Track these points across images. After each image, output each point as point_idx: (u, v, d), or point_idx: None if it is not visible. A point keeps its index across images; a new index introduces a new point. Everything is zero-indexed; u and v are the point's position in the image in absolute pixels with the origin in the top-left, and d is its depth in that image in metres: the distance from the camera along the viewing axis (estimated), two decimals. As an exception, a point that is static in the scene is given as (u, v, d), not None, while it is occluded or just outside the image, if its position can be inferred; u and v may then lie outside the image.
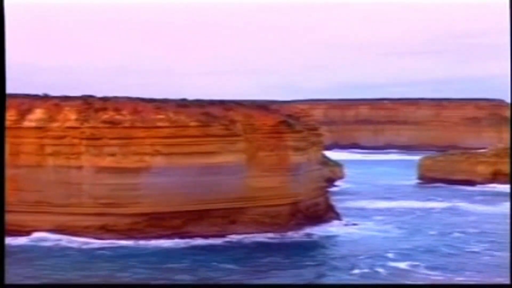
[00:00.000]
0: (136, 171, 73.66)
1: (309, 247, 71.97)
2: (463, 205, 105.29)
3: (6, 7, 23.52)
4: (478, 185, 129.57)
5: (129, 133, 74.53)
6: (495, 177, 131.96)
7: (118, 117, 75.71)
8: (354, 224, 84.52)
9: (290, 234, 76.64)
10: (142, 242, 71.06)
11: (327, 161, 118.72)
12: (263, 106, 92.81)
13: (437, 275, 58.35)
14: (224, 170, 75.98)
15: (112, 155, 73.08)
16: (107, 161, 73.78)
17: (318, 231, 79.44)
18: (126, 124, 75.15)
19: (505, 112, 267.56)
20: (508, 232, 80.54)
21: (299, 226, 78.82)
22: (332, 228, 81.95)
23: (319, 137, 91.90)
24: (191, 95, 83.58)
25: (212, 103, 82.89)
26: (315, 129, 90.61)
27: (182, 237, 73.01)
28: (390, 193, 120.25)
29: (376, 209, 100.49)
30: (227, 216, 76.32)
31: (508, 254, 65.13)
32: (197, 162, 75.07)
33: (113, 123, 74.72)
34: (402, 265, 62.42)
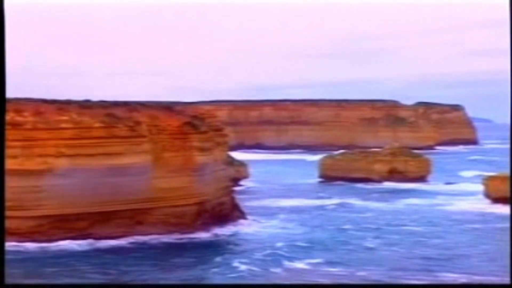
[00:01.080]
0: (39, 173, 71.51)
1: (214, 246, 71.89)
2: (361, 202, 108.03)
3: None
4: (375, 183, 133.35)
5: (32, 135, 72.25)
6: (391, 175, 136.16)
7: (19, 118, 73.22)
8: (259, 223, 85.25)
9: (196, 233, 76.37)
10: (45, 245, 69.01)
11: (232, 161, 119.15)
12: (167, 107, 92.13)
13: (338, 271, 59.39)
14: (129, 171, 74.94)
15: (14, 157, 70.56)
16: (9, 164, 71.13)
17: (223, 230, 79.62)
18: (28, 126, 72.81)
19: (399, 112, 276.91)
20: (397, 227, 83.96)
21: (205, 225, 78.75)
22: (237, 227, 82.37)
23: (224, 137, 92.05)
24: (94, 96, 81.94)
25: (116, 104, 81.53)
26: (220, 129, 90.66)
27: (87, 239, 71.48)
28: (293, 192, 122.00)
29: (280, 207, 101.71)
30: (133, 217, 75.36)
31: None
32: (102, 163, 73.69)
33: (14, 125, 72.18)
34: (305, 261, 63.25)
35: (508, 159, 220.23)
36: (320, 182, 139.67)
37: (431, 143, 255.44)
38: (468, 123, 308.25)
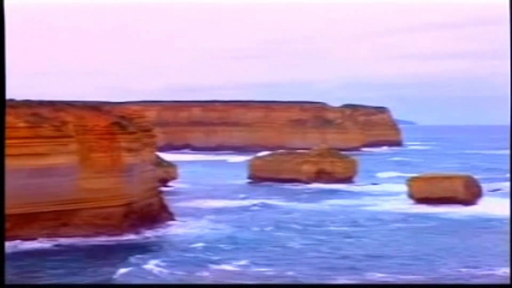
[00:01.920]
0: (-40, 174, 68.96)
1: (140, 247, 70.80)
2: (288, 203, 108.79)
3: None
4: (303, 184, 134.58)
5: (-47, 135, 69.65)
6: (318, 176, 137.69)
7: None
8: (187, 224, 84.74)
9: (124, 235, 75.24)
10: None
11: (160, 162, 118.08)
12: (95, 107, 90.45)
13: (266, 271, 59.52)
14: (55, 172, 73.21)
15: None
16: None
17: (151, 231, 78.73)
18: (-51, 125, 70.16)
19: (327, 114, 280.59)
20: (324, 228, 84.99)
21: (133, 227, 77.67)
22: (165, 228, 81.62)
23: (153, 138, 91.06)
24: (19, 95, 79.57)
25: (41, 103, 79.43)
26: (149, 130, 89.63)
27: (10, 241, 69.30)
28: (221, 193, 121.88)
29: (208, 208, 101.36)
30: (58, 219, 73.65)
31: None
32: (27, 164, 71.70)
33: None
34: (232, 262, 63.05)
35: (428, 159, 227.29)
36: (249, 183, 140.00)
37: (357, 144, 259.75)
38: (393, 125, 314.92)
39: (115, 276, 56.61)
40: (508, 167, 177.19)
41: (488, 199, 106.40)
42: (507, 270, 59.95)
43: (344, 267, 61.32)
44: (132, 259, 63.33)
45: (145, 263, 61.71)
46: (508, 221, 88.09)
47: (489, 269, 60.09)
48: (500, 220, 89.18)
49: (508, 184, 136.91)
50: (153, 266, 60.64)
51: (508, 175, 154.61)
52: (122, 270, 58.58)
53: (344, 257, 66.16)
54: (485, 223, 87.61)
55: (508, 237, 77.56)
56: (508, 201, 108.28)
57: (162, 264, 61.77)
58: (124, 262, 62.20)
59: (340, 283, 54.84)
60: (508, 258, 59.15)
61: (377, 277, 57.21)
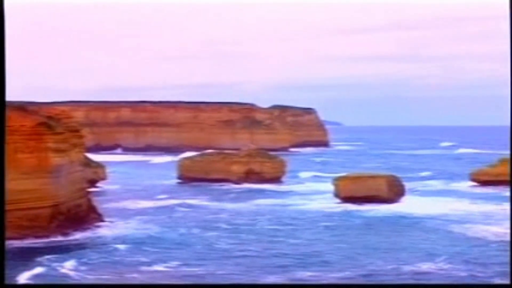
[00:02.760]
0: None
1: (66, 249, 69.21)
2: (217, 203, 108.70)
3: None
4: (233, 184, 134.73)
5: None
6: (247, 176, 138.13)
7: None
8: (116, 224, 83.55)
9: (52, 237, 73.50)
10: None
11: (89, 163, 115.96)
12: (21, 107, 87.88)
13: (196, 271, 59.29)
14: (-21, 173, 70.87)
15: None
16: None
17: (79, 233, 77.23)
18: None
19: (256, 115, 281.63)
20: (253, 227, 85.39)
21: (60, 228, 75.97)
22: (94, 229, 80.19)
23: (81, 138, 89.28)
24: None
25: (-35, 103, 76.75)
26: (77, 130, 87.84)
27: None
28: (151, 193, 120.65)
29: (137, 209, 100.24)
30: (-18, 221, 71.30)
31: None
32: (-51, 165, 69.17)
33: None
34: (163, 263, 62.57)
35: (353, 159, 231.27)
36: (178, 183, 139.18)
37: (286, 145, 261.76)
38: (320, 125, 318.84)
39: (19, 278, 55.20)
40: (423, 166, 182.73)
41: (410, 197, 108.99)
42: (431, 265, 61.71)
43: (274, 266, 61.60)
44: (45, 261, 61.92)
45: (62, 265, 60.44)
46: (427, 219, 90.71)
47: (414, 265, 61.56)
48: (421, 217, 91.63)
49: (426, 183, 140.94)
50: (70, 268, 59.45)
51: (424, 173, 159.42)
52: (32, 272, 57.26)
53: (274, 256, 66.46)
54: (408, 221, 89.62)
55: (425, 234, 79.95)
56: (428, 199, 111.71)
57: (83, 266, 60.62)
58: (36, 264, 60.72)
59: (340, 283, 54.44)
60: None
61: (307, 275, 57.73)
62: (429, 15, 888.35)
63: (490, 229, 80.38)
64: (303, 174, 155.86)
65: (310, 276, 57.53)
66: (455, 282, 55.54)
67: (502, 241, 73.48)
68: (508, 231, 78.49)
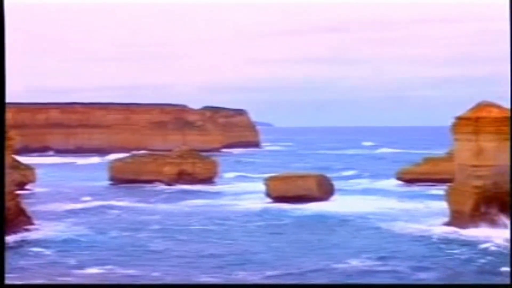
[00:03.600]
0: None
1: None
2: (149, 204, 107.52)
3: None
4: (165, 185, 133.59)
5: None
6: (180, 177, 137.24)
7: None
8: (45, 227, 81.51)
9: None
10: None
11: (18, 165, 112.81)
12: None
13: (131, 273, 58.35)
14: None
15: None
16: None
17: (7, 236, 74.74)
18: None
19: (187, 116, 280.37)
20: (186, 228, 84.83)
21: (-13, 232, 73.47)
22: (23, 232, 77.94)
23: (9, 141, 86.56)
24: None
25: None
26: (5, 132, 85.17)
27: None
28: (81, 195, 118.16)
29: (67, 211, 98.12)
30: None
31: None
32: None
33: None
34: (96, 266, 61.27)
35: (284, 159, 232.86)
36: (110, 184, 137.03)
37: (217, 145, 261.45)
38: (251, 126, 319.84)
39: None
40: (348, 165, 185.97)
41: (339, 196, 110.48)
42: (360, 261, 62.69)
43: (209, 266, 61.21)
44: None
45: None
46: (356, 217, 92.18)
47: (344, 263, 62.43)
48: (350, 216, 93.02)
49: (354, 182, 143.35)
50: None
51: (350, 172, 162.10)
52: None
53: (209, 256, 66.01)
54: (337, 219, 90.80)
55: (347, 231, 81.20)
56: (356, 197, 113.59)
57: (12, 270, 58.68)
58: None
59: (339, 283, 54.01)
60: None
61: (243, 275, 57.64)
62: (356, 17, 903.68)
63: (415, 226, 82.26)
64: (235, 175, 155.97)
65: (246, 275, 57.50)
66: (456, 282, 56.23)
67: (427, 237, 75.48)
68: (430, 227, 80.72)
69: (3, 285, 22.10)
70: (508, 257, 63.57)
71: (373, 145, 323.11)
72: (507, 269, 58.52)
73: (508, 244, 69.23)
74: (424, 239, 74.17)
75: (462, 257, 65.55)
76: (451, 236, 75.23)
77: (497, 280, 55.07)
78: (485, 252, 67.49)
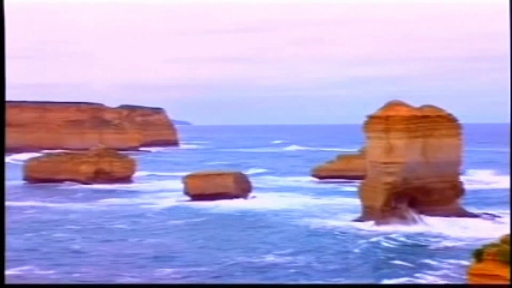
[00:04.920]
0: None
1: None
2: (65, 204, 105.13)
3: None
4: (82, 184, 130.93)
5: None
6: (97, 176, 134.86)
7: None
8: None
9: None
10: None
11: None
12: None
13: (54, 274, 56.75)
14: None
15: None
16: None
17: None
18: None
19: (104, 115, 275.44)
20: (105, 227, 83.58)
21: None
22: None
23: None
24: None
25: None
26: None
27: None
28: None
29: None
30: None
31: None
32: None
33: None
34: (15, 267, 59.29)
35: (202, 157, 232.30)
36: (25, 184, 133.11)
37: (135, 144, 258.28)
38: (169, 125, 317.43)
39: None
40: (264, 163, 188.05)
41: (256, 193, 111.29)
42: (276, 257, 63.44)
43: (131, 265, 60.45)
44: None
45: None
46: (273, 213, 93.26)
47: (260, 258, 63.10)
48: (267, 212, 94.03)
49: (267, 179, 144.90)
50: None
51: (265, 170, 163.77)
52: None
53: (130, 255, 65.15)
54: (255, 216, 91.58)
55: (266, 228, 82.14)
56: (273, 194, 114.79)
57: None
58: None
59: (340, 283, 53.22)
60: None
61: (166, 272, 57.27)
62: (274, 18, 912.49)
63: (329, 222, 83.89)
64: (153, 173, 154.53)
65: (170, 273, 57.22)
66: (455, 283, 56.77)
67: (340, 232, 77.15)
68: (344, 223, 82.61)
69: (3, 285, 21.49)
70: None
71: (283, 142, 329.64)
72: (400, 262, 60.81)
73: (406, 239, 72.04)
74: (337, 234, 75.83)
75: (376, 250, 67.71)
76: (362, 231, 77.24)
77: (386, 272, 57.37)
78: (392, 245, 70.03)
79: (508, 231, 32.87)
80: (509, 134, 74.79)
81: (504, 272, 29.26)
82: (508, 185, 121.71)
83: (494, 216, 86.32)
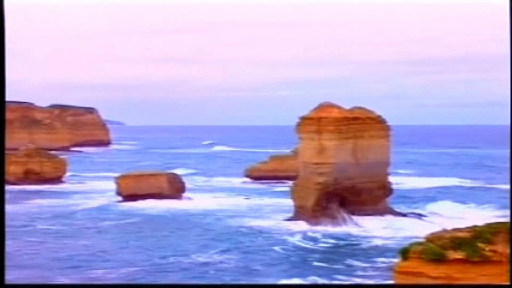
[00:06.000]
0: None
1: None
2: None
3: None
4: (10, 185, 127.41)
5: None
6: (26, 176, 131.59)
7: None
8: None
9: None
10: None
11: None
12: None
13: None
14: None
15: None
16: None
17: None
18: None
19: (34, 114, 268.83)
20: (35, 228, 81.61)
21: None
22: None
23: None
24: None
25: None
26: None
27: None
28: None
29: None
30: None
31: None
32: None
33: None
34: None
35: (135, 158, 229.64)
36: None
37: (66, 144, 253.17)
38: (102, 125, 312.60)
39: None
40: (196, 163, 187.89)
41: (190, 194, 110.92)
42: (207, 256, 63.47)
43: (65, 266, 59.37)
44: None
45: None
46: (205, 213, 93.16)
47: (191, 258, 63.04)
48: (200, 212, 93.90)
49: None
50: None
51: (197, 170, 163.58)
52: None
53: (63, 256, 64.02)
54: (188, 216, 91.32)
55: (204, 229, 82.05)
56: (206, 195, 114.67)
57: None
58: None
59: (340, 283, 52.06)
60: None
61: (101, 273, 56.61)
62: (211, 19, 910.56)
63: (261, 222, 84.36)
64: (85, 174, 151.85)
65: (104, 273, 56.54)
66: (454, 283, 56.88)
67: (272, 232, 77.69)
68: (276, 223, 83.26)
69: (3, 285, 20.63)
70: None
71: (212, 143, 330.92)
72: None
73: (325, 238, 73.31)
74: (268, 234, 76.32)
75: (305, 249, 68.55)
76: (293, 231, 77.99)
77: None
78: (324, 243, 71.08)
79: (433, 230, 33.86)
80: (509, 134, 76.07)
81: (428, 269, 30.12)
82: (428, 185, 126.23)
83: (420, 215, 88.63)
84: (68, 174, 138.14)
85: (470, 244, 30.50)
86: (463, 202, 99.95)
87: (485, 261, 29.78)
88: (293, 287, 52.53)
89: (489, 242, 30.60)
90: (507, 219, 42.43)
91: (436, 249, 30.49)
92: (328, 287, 49.96)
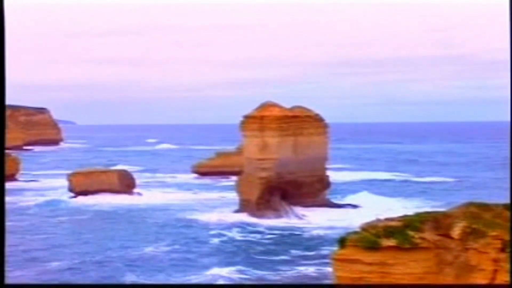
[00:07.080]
0: None
1: None
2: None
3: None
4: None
5: None
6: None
7: None
8: None
9: None
10: None
11: None
12: None
13: None
14: None
15: None
16: None
17: None
18: None
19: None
20: None
21: None
22: None
23: None
24: None
25: None
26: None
27: None
28: None
29: None
30: None
31: None
32: None
33: None
34: None
35: (86, 155, 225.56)
36: None
37: (19, 143, 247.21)
38: (53, 124, 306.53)
39: None
40: (144, 160, 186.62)
41: (140, 190, 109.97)
42: (155, 248, 63.27)
43: (22, 260, 58.32)
44: None
45: None
46: (155, 208, 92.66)
47: (140, 250, 62.96)
48: (150, 207, 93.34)
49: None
50: None
51: (146, 167, 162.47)
52: None
53: (18, 251, 62.81)
54: (138, 211, 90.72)
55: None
56: (155, 191, 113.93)
57: None
58: None
59: (339, 283, 50.52)
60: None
61: (54, 266, 55.98)
62: (154, 20, 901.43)
63: (207, 216, 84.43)
64: (37, 172, 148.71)
65: (57, 265, 56.06)
66: (454, 283, 56.63)
67: (219, 225, 77.87)
68: (222, 216, 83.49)
69: (3, 285, 19.85)
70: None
71: (157, 141, 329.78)
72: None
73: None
74: (214, 227, 76.47)
75: (248, 240, 69.03)
76: (238, 223, 78.45)
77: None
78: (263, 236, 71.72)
79: (367, 220, 34.62)
80: (509, 133, 76.95)
81: (364, 256, 30.83)
82: (357, 178, 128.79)
83: (355, 206, 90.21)
84: (20, 172, 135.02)
85: (401, 232, 31.35)
86: (391, 196, 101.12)
87: (415, 247, 30.70)
88: (291, 287, 52.91)
89: (418, 230, 31.52)
90: (431, 209, 43.81)
91: (371, 237, 31.23)
92: (328, 287, 50.41)
